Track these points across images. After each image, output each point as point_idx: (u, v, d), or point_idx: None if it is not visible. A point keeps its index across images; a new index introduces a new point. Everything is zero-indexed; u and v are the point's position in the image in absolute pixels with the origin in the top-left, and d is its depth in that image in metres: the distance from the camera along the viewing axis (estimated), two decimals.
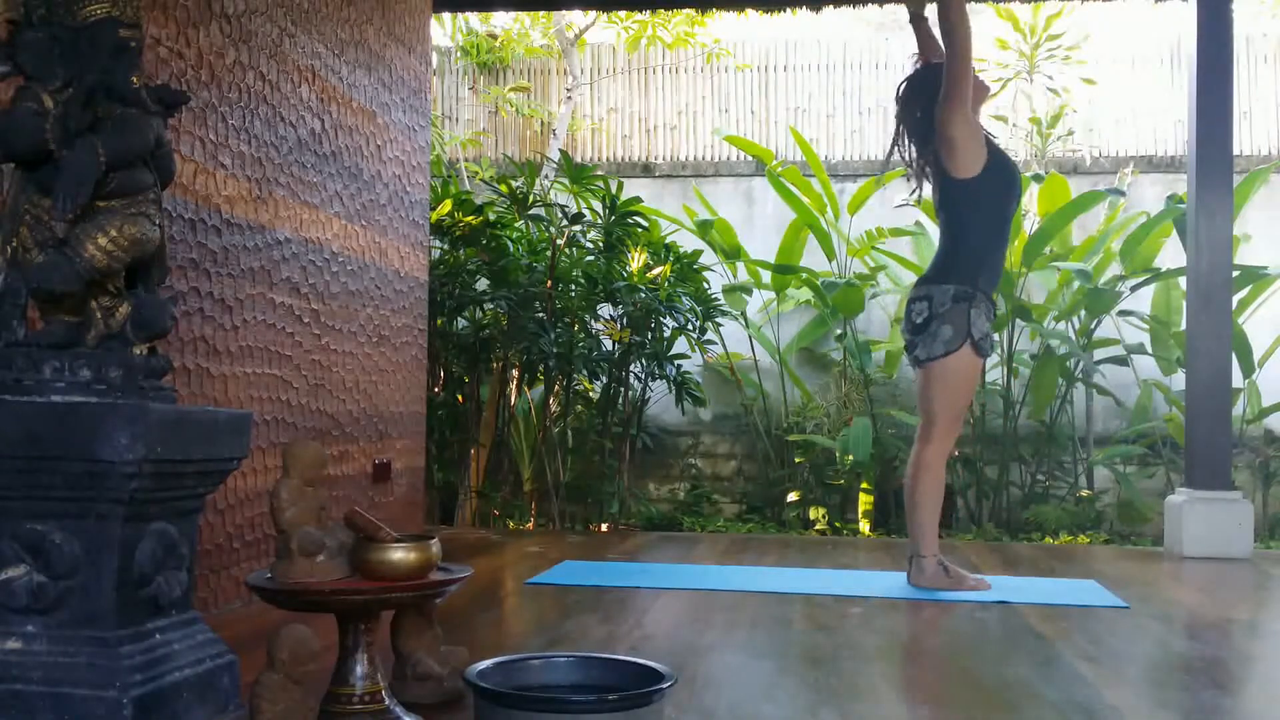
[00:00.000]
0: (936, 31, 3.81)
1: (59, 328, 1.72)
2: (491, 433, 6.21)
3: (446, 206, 5.89)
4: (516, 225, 6.28)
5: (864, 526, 6.61)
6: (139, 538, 1.67)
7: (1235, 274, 5.62)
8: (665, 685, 1.75)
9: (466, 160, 8.49)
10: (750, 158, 8.13)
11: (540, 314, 5.99)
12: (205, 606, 3.06)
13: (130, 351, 1.73)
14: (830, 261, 7.16)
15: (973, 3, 6.47)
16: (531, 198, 6.09)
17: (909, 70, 4.01)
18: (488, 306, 6.07)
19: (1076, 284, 6.75)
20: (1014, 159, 3.98)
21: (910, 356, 3.83)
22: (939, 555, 3.76)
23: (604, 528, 6.07)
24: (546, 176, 7.56)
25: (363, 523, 1.99)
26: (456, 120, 8.99)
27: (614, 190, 6.23)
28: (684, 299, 6.27)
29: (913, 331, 3.78)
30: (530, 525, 6.13)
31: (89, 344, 1.72)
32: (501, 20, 9.00)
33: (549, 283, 6.05)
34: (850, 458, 6.38)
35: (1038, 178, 6.96)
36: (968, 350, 3.69)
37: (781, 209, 7.42)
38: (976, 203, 3.76)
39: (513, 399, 6.33)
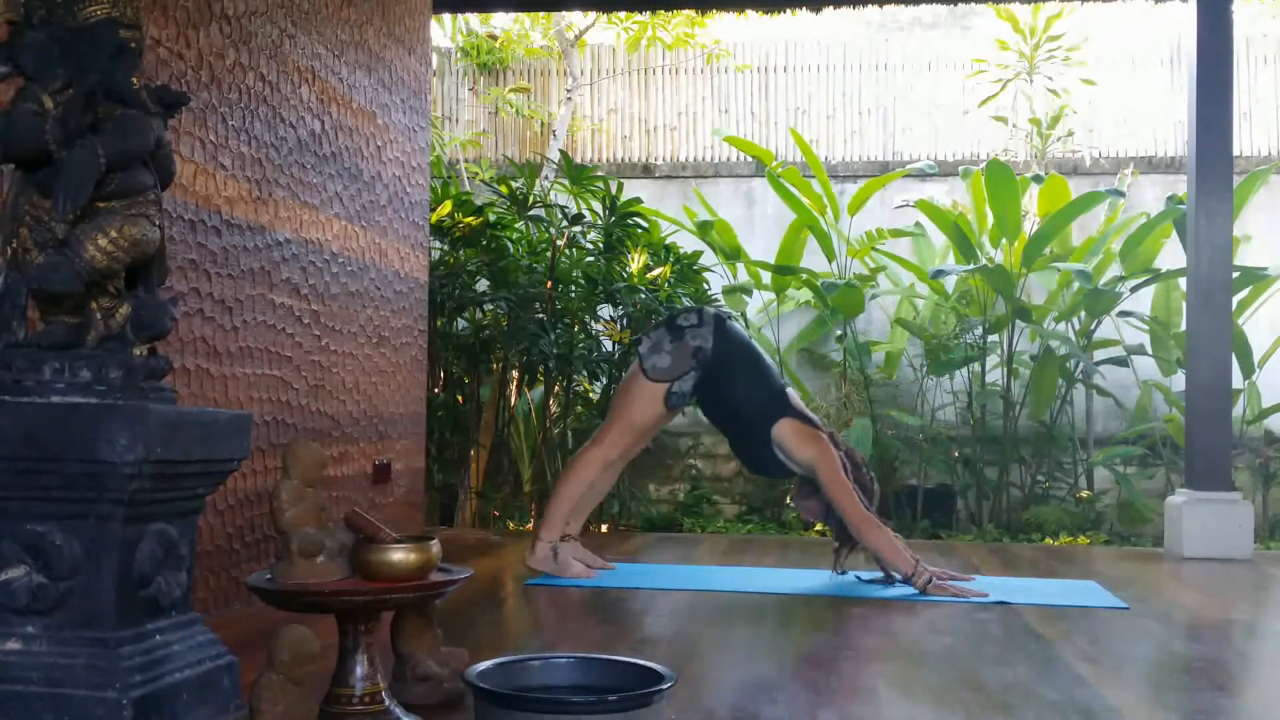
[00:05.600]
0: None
1: (59, 329, 1.72)
2: (491, 434, 6.21)
3: (446, 207, 5.89)
4: (516, 226, 6.28)
5: None
6: (139, 538, 1.67)
7: (1235, 275, 5.63)
8: (665, 686, 1.75)
9: (466, 161, 8.49)
10: (750, 159, 8.14)
11: (540, 315, 5.99)
12: (205, 607, 3.06)
13: (130, 352, 1.73)
14: (830, 262, 7.16)
15: (974, 3, 6.49)
16: (531, 198, 6.09)
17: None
18: (488, 307, 6.07)
19: (1076, 285, 6.75)
20: None
21: (636, 338, 3.93)
22: (554, 543, 3.91)
23: (604, 528, 6.07)
24: (546, 177, 7.57)
25: (363, 524, 1.99)
26: (456, 121, 8.99)
27: (614, 191, 6.23)
28: (684, 300, 6.27)
29: (662, 323, 3.95)
30: (530, 526, 6.12)
31: (89, 345, 1.72)
32: (501, 21, 9.01)
33: (549, 284, 6.05)
34: None
35: (1038, 178, 6.97)
36: (661, 389, 3.84)
37: (781, 210, 7.43)
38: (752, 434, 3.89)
39: (513, 400, 6.33)
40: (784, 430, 3.79)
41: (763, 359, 3.98)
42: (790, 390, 3.97)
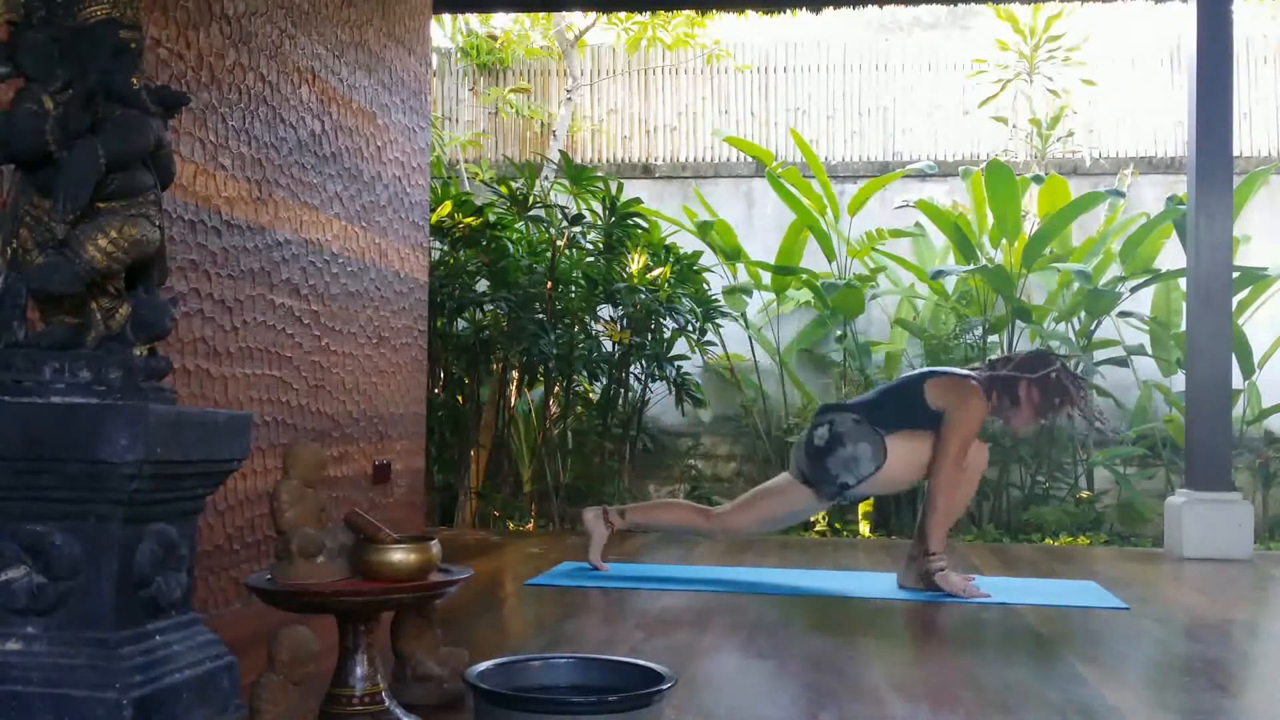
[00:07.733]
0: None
1: (59, 329, 1.72)
2: (491, 434, 6.21)
3: (446, 208, 5.89)
4: (516, 226, 6.28)
5: (864, 528, 6.61)
6: (139, 539, 1.67)
7: (1235, 275, 5.62)
8: (665, 686, 1.75)
9: (466, 161, 8.49)
10: (750, 159, 8.13)
11: (540, 315, 5.99)
12: (205, 608, 3.06)
13: (130, 353, 1.73)
14: (830, 263, 7.16)
15: (974, 3, 6.49)
16: (531, 199, 6.09)
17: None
18: (488, 308, 6.07)
19: (1076, 285, 6.74)
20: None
21: (829, 490, 3.75)
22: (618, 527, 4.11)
23: None
24: (546, 178, 7.56)
25: (362, 524, 1.99)
26: (456, 121, 8.99)
27: (614, 191, 6.23)
28: (684, 300, 6.27)
29: (814, 456, 3.75)
30: (530, 526, 6.12)
31: (89, 345, 1.72)
32: (501, 21, 9.00)
33: (549, 284, 6.05)
34: None
35: (1038, 179, 6.96)
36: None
37: (781, 210, 7.42)
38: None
39: (513, 400, 6.33)
40: (937, 383, 3.78)
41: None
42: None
